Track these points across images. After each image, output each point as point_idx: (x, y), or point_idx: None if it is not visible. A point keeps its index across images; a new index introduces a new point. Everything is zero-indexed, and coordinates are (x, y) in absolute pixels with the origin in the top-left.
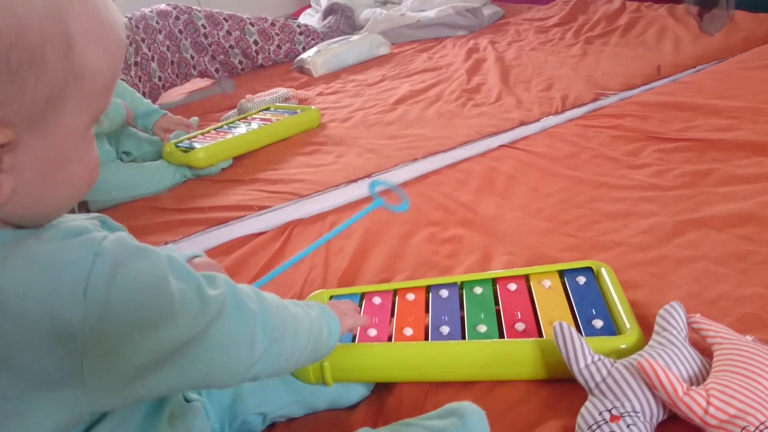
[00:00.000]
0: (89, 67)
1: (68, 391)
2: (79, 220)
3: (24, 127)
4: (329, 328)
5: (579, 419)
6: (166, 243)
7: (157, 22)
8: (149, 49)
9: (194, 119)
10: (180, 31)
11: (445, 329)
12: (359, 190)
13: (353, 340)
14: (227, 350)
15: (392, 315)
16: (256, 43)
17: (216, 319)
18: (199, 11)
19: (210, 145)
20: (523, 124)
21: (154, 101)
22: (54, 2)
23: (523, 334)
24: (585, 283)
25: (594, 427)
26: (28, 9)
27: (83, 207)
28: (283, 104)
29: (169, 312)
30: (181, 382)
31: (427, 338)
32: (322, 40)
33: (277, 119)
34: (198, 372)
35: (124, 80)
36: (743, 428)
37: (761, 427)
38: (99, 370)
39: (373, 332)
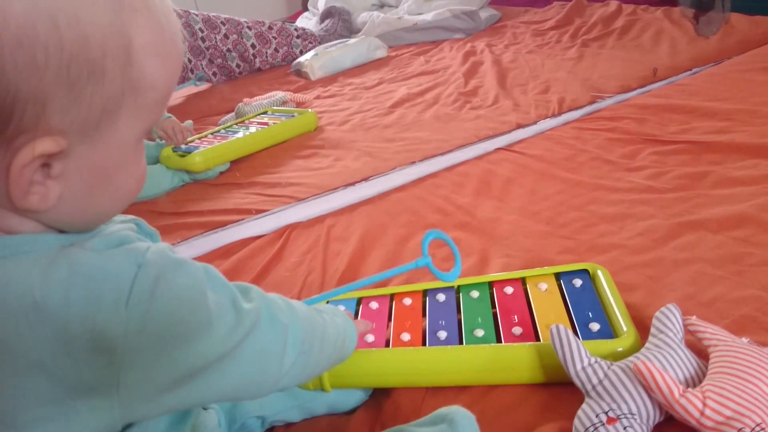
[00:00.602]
0: (147, 79)
1: (103, 400)
2: (117, 224)
3: (77, 136)
4: (351, 334)
5: (576, 422)
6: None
7: None
8: None
9: (188, 122)
10: None
11: (442, 334)
12: (356, 193)
13: None
14: (259, 364)
15: (389, 320)
16: (253, 46)
17: (250, 333)
18: (197, 15)
19: (207, 150)
20: (520, 126)
21: None
22: (119, 15)
23: (521, 338)
24: (581, 285)
25: (591, 429)
26: (92, 20)
27: None
28: (280, 108)
29: (207, 326)
30: (210, 394)
31: (424, 343)
32: (320, 43)
33: (274, 123)
34: (229, 385)
35: None
36: (739, 430)
37: (757, 428)
38: (135, 381)
39: (370, 338)
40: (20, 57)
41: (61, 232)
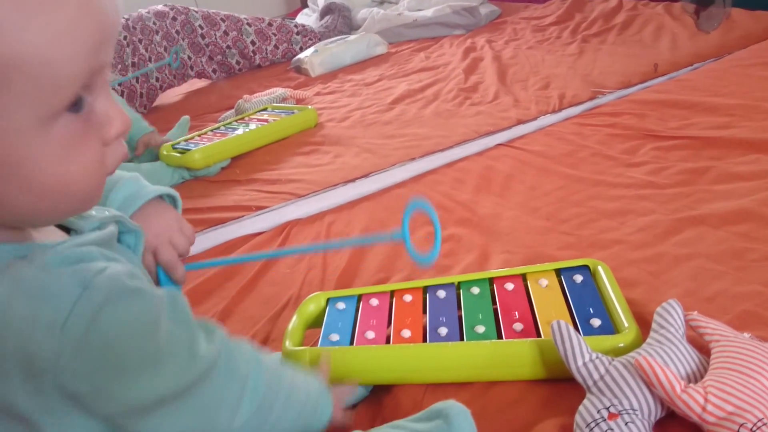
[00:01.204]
0: (24, 55)
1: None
2: (95, 223)
3: None
4: (324, 403)
5: (577, 417)
6: None
7: (154, 23)
8: (146, 50)
9: (185, 118)
10: (177, 32)
11: (443, 330)
12: (357, 189)
13: (351, 342)
14: (207, 415)
15: (390, 317)
16: (253, 43)
17: (202, 379)
18: (196, 12)
19: (207, 146)
20: (520, 122)
21: (151, 102)
22: None
23: (522, 334)
24: (582, 281)
25: (592, 425)
26: None
27: None
28: (280, 104)
29: (152, 363)
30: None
31: (425, 340)
32: (320, 39)
33: (274, 119)
34: (174, 428)
35: (120, 82)
36: (741, 425)
37: (759, 423)
38: (68, 412)
39: (371, 334)
40: None
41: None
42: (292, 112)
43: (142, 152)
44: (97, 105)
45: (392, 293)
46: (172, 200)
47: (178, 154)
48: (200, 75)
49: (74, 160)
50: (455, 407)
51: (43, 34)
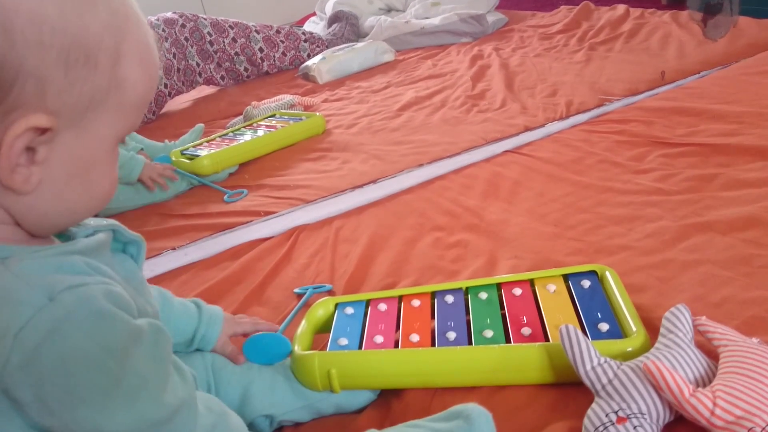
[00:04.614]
0: (131, 81)
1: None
2: (89, 230)
3: (65, 121)
4: None
5: (585, 421)
6: (174, 248)
7: (164, 30)
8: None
9: (200, 126)
10: (186, 39)
11: (451, 335)
12: (364, 195)
13: (360, 347)
14: None
15: (398, 321)
16: (261, 50)
17: (157, 427)
18: (205, 19)
19: (215, 153)
20: (527, 129)
21: (159, 108)
22: (115, 17)
23: (530, 338)
24: (590, 286)
25: (601, 428)
26: (93, 15)
27: None
28: (288, 111)
29: (102, 396)
30: None
31: (433, 344)
32: (327, 47)
33: (282, 126)
34: None
35: None
36: (749, 429)
37: (767, 428)
38: (11, 424)
39: (379, 339)
40: (30, 33)
41: (33, 236)
42: (300, 119)
43: (154, 188)
44: None
45: (400, 298)
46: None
47: (187, 160)
48: (208, 81)
49: (114, 171)
50: (476, 409)
51: (145, 74)
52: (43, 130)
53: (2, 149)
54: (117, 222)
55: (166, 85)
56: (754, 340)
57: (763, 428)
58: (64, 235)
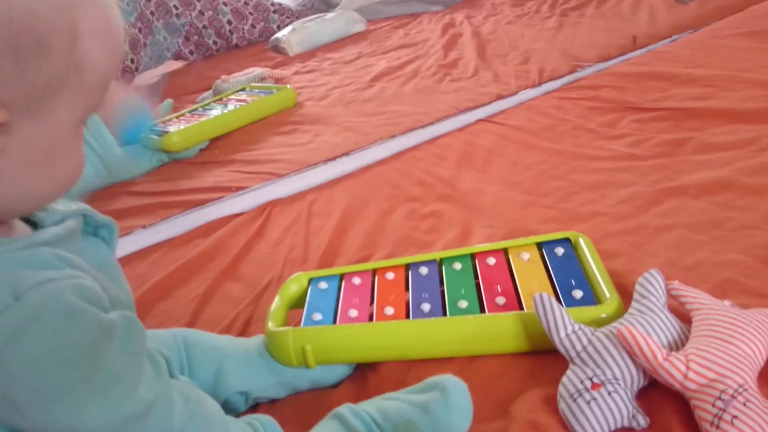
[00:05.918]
0: (90, 62)
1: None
2: (57, 217)
3: (20, 111)
4: None
5: (561, 388)
6: (144, 227)
7: (128, 5)
8: None
9: (168, 101)
10: (152, 13)
11: (426, 306)
12: (337, 168)
13: (334, 322)
14: None
15: (372, 295)
16: (229, 22)
17: (132, 422)
18: None
19: (184, 129)
20: (500, 97)
21: (127, 84)
22: None
23: (504, 307)
24: (563, 254)
25: (576, 395)
26: None
27: None
28: (258, 84)
29: (69, 393)
30: None
31: (408, 316)
32: (297, 18)
33: (253, 100)
34: None
35: None
36: (722, 391)
37: (739, 389)
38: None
39: (354, 313)
40: None
41: None
42: (271, 92)
43: None
44: None
45: (374, 271)
46: None
47: (156, 137)
48: (177, 56)
49: (81, 154)
50: (452, 380)
51: (106, 51)
52: None
53: None
54: (87, 206)
55: (132, 61)
56: (726, 302)
57: (735, 389)
58: (31, 221)
